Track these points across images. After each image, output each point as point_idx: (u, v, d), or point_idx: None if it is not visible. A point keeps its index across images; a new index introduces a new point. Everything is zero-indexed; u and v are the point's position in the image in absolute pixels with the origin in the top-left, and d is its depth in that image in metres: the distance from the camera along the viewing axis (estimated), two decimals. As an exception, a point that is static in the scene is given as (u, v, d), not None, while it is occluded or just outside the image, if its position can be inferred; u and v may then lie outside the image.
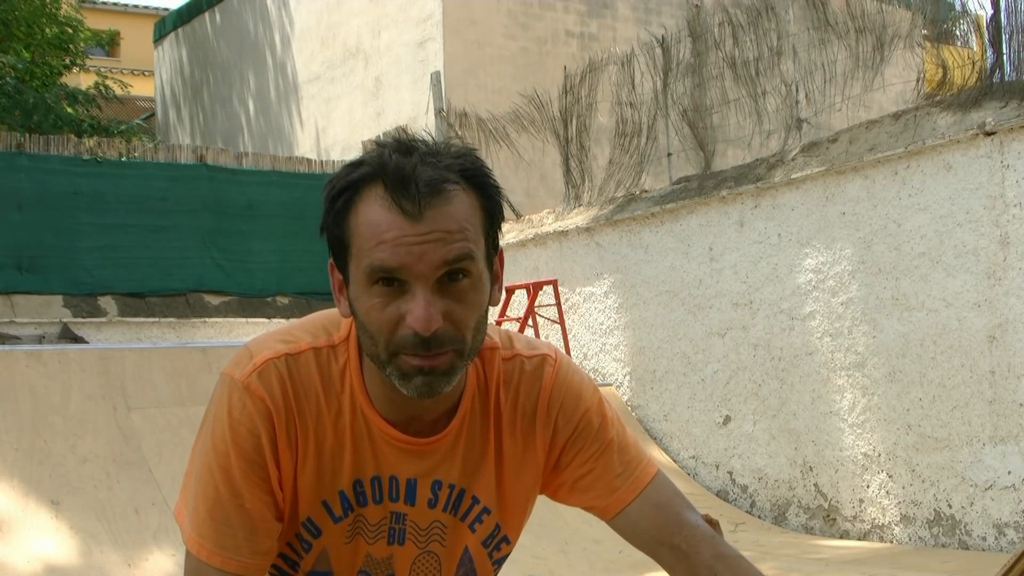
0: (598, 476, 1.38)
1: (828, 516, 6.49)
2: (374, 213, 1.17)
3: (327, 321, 1.34)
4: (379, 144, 1.23)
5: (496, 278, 1.28)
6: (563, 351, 1.51)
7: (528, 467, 1.38)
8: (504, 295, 7.70)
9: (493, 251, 1.26)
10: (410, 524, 1.35)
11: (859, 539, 6.27)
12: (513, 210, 9.21)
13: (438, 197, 1.17)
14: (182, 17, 15.97)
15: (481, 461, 1.35)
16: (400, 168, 1.17)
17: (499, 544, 1.40)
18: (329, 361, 1.30)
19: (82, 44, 15.30)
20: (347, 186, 1.20)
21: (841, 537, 6.36)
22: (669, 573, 1.38)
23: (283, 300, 9.56)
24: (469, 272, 1.19)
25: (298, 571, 1.36)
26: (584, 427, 1.38)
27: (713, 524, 1.39)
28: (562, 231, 8.52)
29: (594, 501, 1.39)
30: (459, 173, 1.20)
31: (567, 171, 9.04)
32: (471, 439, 1.34)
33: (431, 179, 1.17)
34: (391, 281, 1.17)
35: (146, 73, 20.22)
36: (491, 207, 1.24)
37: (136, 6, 24.68)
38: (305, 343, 1.30)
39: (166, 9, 27.19)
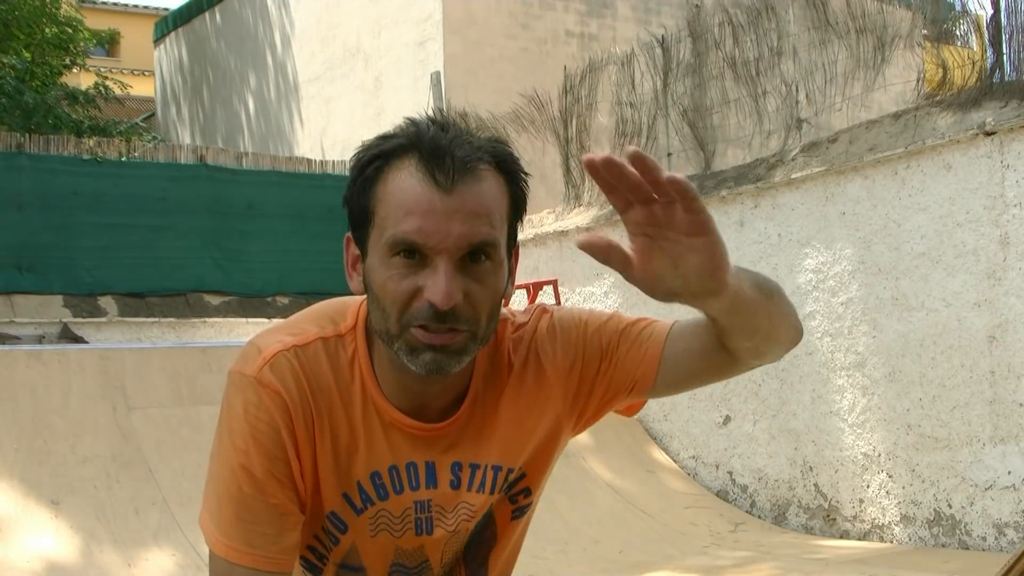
0: (620, 360, 1.33)
1: (828, 516, 6.49)
2: (404, 181, 1.16)
3: (332, 311, 1.32)
4: (413, 120, 1.22)
5: (510, 272, 1.26)
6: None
7: (544, 409, 1.35)
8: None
9: (512, 242, 1.25)
10: (436, 508, 1.33)
11: (859, 539, 6.27)
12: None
13: (470, 175, 1.16)
14: (182, 17, 15.97)
15: (493, 431, 1.33)
16: (436, 140, 1.17)
17: (517, 496, 1.38)
18: (338, 351, 1.28)
19: (82, 44, 15.27)
20: (378, 155, 1.19)
21: (841, 537, 6.36)
22: (728, 362, 1.29)
23: (283, 300, 9.56)
24: (491, 255, 1.18)
25: (327, 563, 1.35)
26: (591, 340, 1.34)
27: None
28: (562, 231, 8.52)
29: (632, 381, 1.33)
30: (492, 156, 1.20)
31: (567, 171, 9.04)
32: (482, 418, 1.33)
33: (465, 156, 1.16)
34: (413, 254, 1.16)
35: (146, 73, 20.21)
36: (517, 196, 1.23)
37: (136, 6, 24.68)
38: (312, 334, 1.28)
39: (166, 9, 27.19)
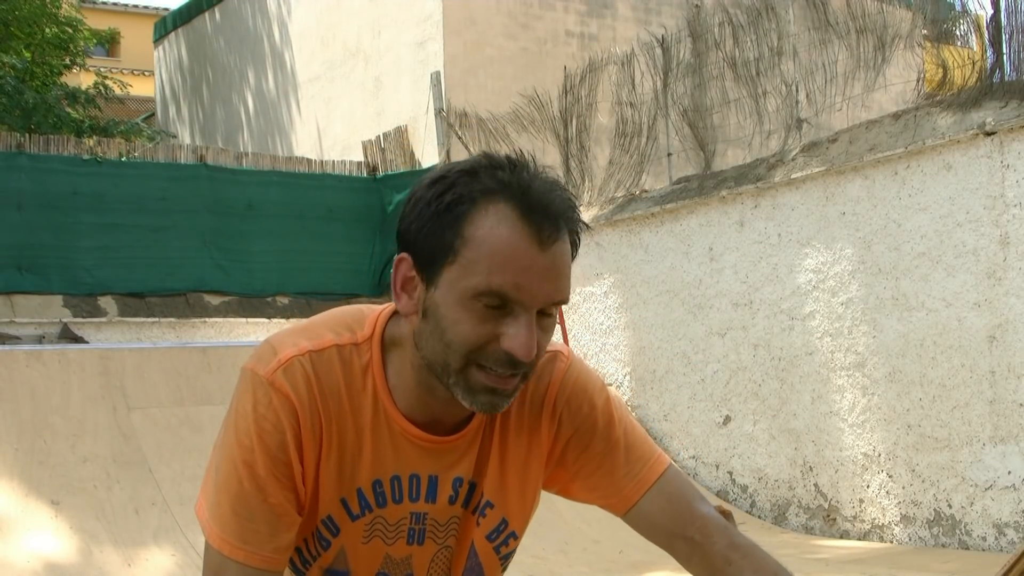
0: (604, 475, 1.39)
1: (828, 516, 6.49)
2: (501, 230, 1.16)
3: (351, 318, 1.33)
4: (490, 157, 1.21)
5: None
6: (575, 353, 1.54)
7: (532, 460, 1.39)
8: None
9: None
10: (430, 521, 1.35)
11: (859, 539, 6.27)
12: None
13: (559, 233, 1.19)
14: (182, 17, 15.95)
15: (488, 455, 1.36)
16: (541, 196, 1.18)
17: (507, 539, 1.41)
18: (352, 359, 1.30)
19: (82, 44, 15.27)
20: (466, 194, 1.17)
21: (841, 537, 6.36)
22: (684, 565, 1.38)
23: (283, 300, 9.55)
24: (556, 312, 1.23)
25: (311, 567, 1.36)
26: (589, 426, 1.39)
27: (726, 515, 1.40)
28: (562, 231, 8.51)
29: (604, 500, 1.41)
30: (571, 212, 1.22)
31: (567, 171, 9.04)
32: (484, 435, 1.36)
33: (559, 212, 1.19)
34: (498, 303, 1.17)
35: (146, 73, 20.21)
36: (573, 252, 1.26)
37: (136, 6, 24.69)
38: (328, 340, 1.30)
39: (166, 9, 27.20)
